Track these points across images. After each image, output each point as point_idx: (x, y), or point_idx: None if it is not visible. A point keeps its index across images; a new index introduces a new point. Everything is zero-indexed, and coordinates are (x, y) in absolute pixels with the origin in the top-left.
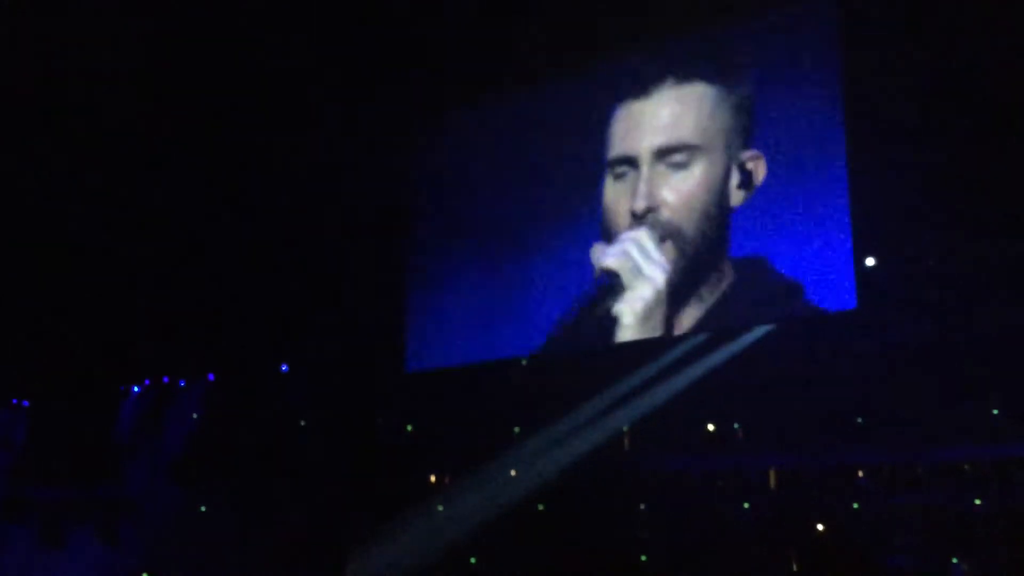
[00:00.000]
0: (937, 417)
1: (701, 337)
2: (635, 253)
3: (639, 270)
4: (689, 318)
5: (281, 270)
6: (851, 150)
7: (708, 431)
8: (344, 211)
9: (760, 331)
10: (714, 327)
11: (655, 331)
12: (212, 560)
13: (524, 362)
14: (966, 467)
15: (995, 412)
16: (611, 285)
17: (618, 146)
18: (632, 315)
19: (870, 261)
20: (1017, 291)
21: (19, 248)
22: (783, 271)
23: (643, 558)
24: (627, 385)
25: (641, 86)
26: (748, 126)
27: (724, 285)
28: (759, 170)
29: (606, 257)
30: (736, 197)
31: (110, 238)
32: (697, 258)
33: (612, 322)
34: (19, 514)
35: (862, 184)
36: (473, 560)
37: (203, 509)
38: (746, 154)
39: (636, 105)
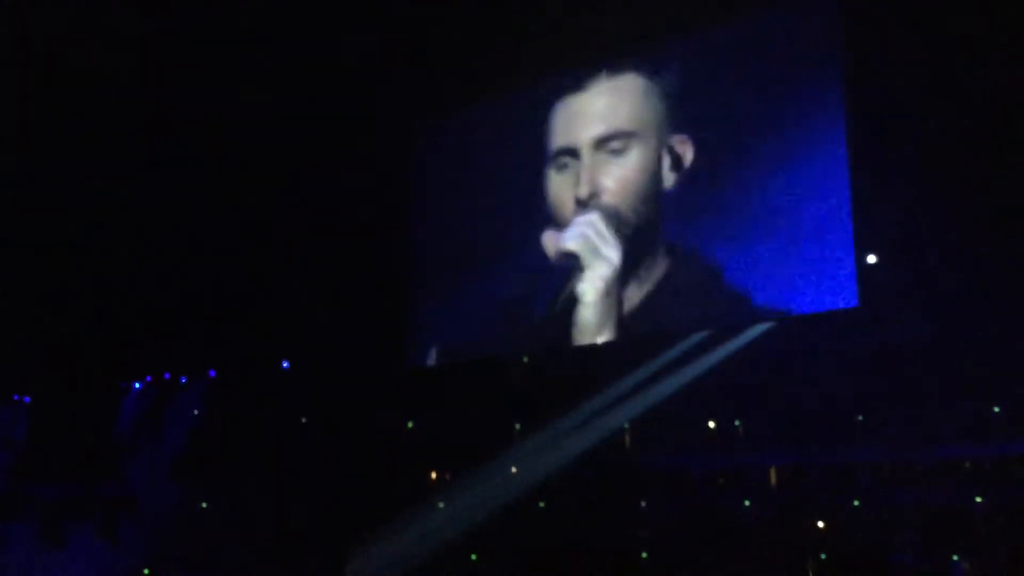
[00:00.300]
0: (937, 415)
1: (702, 335)
2: (592, 235)
3: (597, 251)
4: (634, 296)
5: (282, 268)
6: (852, 149)
7: (709, 429)
8: (344, 210)
9: (760, 329)
10: (656, 307)
11: (612, 309)
12: (212, 557)
13: (525, 360)
14: (966, 465)
15: (995, 410)
16: (572, 267)
17: (560, 139)
18: (594, 292)
19: (871, 259)
20: (1018, 290)
21: (20, 246)
22: (715, 258)
23: (643, 555)
24: (628, 383)
25: (578, 81)
26: (678, 114)
27: (659, 270)
28: (687, 154)
29: (565, 240)
30: (668, 179)
31: (111, 236)
32: (636, 240)
33: (574, 301)
34: (20, 511)
35: (865, 184)
36: (474, 557)
37: (203, 506)
38: (676, 138)
39: (574, 100)
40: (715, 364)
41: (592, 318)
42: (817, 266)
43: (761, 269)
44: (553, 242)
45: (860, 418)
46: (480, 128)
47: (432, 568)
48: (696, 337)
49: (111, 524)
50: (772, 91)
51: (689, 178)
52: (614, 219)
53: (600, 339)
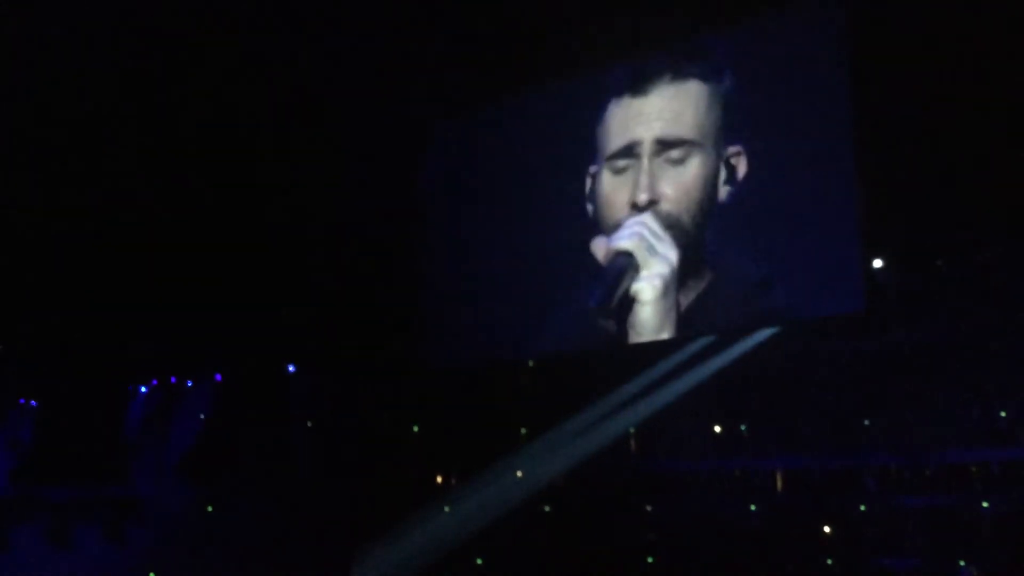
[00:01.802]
0: (944, 420)
1: (708, 339)
2: (647, 234)
3: (653, 249)
4: (683, 302)
5: (289, 272)
6: (858, 152)
7: (714, 433)
8: (353, 213)
9: (767, 333)
10: (702, 315)
11: (671, 309)
12: (219, 560)
13: (531, 363)
14: (973, 469)
15: (1002, 414)
16: (627, 266)
17: (618, 139)
18: (652, 291)
19: (878, 263)
20: None
21: (27, 249)
22: (763, 266)
23: (649, 559)
24: (634, 387)
25: (639, 83)
26: (731, 121)
27: (706, 278)
28: (741, 166)
29: (619, 239)
30: (723, 191)
31: (118, 238)
32: (689, 249)
33: (631, 301)
34: (27, 514)
35: (870, 186)
36: (479, 561)
37: (210, 509)
38: (730, 149)
39: (635, 101)
40: (721, 368)
41: (651, 317)
42: (823, 270)
43: (767, 273)
44: (604, 245)
45: (866, 422)
46: (500, 127)
47: (438, 571)
48: (701, 341)
49: (118, 526)
50: (782, 93)
51: (742, 189)
52: (668, 224)
53: (661, 336)
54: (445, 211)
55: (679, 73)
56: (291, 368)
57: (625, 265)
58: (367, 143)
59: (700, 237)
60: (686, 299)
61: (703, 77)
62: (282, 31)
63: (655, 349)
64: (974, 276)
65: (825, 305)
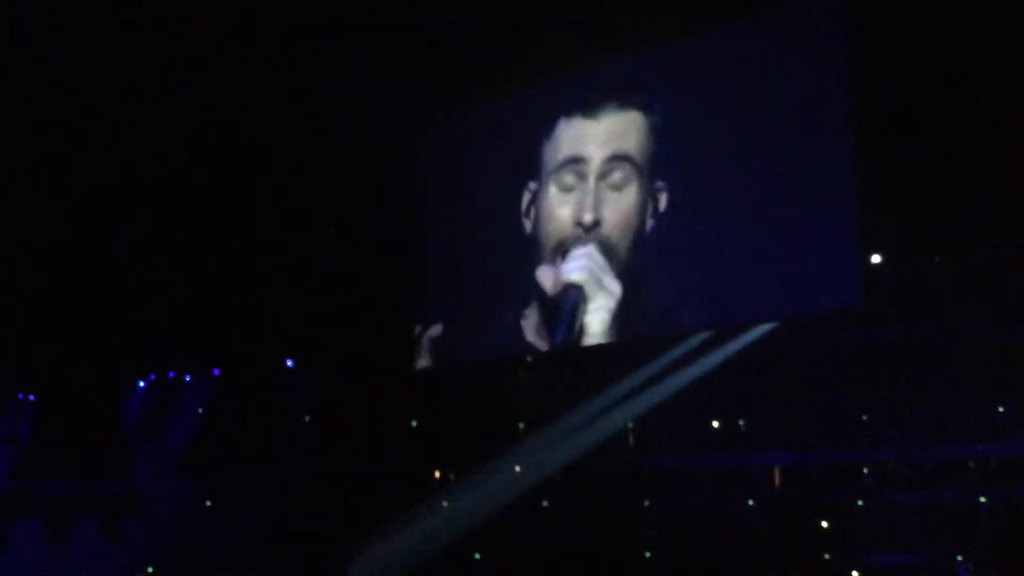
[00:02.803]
0: (942, 415)
1: (705, 335)
2: (594, 266)
3: (600, 282)
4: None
5: (287, 267)
6: (857, 149)
7: (713, 429)
8: (351, 209)
9: (765, 329)
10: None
11: (614, 339)
12: (216, 555)
13: (529, 360)
14: (971, 465)
15: (1000, 410)
16: (578, 299)
17: (565, 152)
18: (600, 324)
19: (875, 259)
20: (1023, 290)
21: (25, 244)
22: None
23: (647, 555)
24: (632, 383)
25: (589, 105)
26: (660, 155)
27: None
28: (662, 200)
29: (568, 272)
30: (648, 223)
31: (115, 233)
32: (623, 273)
33: (581, 333)
34: (25, 509)
35: (868, 183)
36: (478, 556)
37: (208, 504)
38: (657, 184)
39: (586, 122)
40: (719, 364)
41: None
42: (821, 266)
43: (765, 270)
44: (552, 275)
45: (864, 418)
46: (485, 129)
47: (436, 567)
48: (700, 337)
49: (116, 521)
50: (775, 94)
51: (667, 220)
52: (608, 252)
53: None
54: (437, 210)
55: (625, 102)
56: (289, 364)
57: (576, 298)
58: (367, 143)
59: (636, 262)
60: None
61: (644, 109)
62: (281, 31)
63: (652, 346)
64: (971, 273)
65: (823, 301)
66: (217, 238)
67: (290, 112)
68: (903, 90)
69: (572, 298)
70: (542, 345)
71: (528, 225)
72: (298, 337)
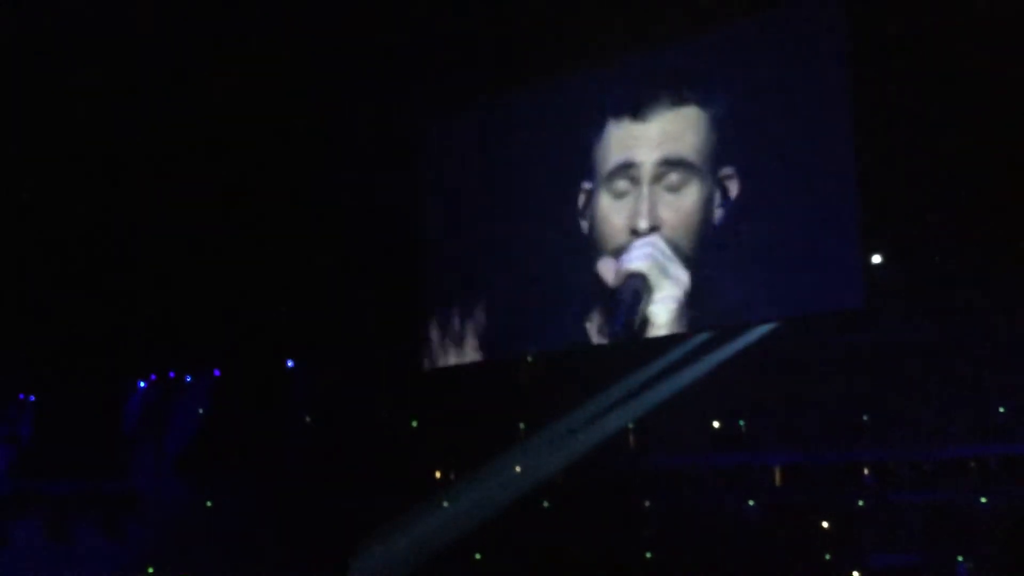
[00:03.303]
0: (942, 415)
1: (705, 335)
2: (659, 255)
3: (665, 270)
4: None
5: (287, 267)
6: (859, 150)
7: (713, 429)
8: (352, 209)
9: (765, 329)
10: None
11: (683, 330)
12: (217, 554)
13: (530, 359)
14: (971, 465)
15: (1000, 411)
16: (641, 289)
17: (616, 158)
18: (667, 314)
19: (876, 259)
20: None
21: (26, 244)
22: (739, 285)
23: (648, 555)
24: (632, 383)
25: (639, 108)
26: (725, 143)
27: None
28: (733, 187)
29: (631, 261)
30: (716, 215)
31: (117, 233)
32: (691, 270)
33: (645, 323)
34: (26, 508)
35: (870, 184)
36: (478, 556)
37: (208, 504)
38: (724, 171)
39: (635, 125)
40: (719, 364)
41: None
42: (822, 266)
43: (767, 269)
44: (613, 267)
45: (865, 418)
46: (504, 129)
47: (436, 567)
48: (700, 337)
49: (116, 521)
50: (775, 96)
51: (734, 209)
52: (675, 247)
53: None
54: (445, 211)
55: (679, 98)
56: (290, 363)
57: (639, 287)
58: (368, 143)
59: (696, 257)
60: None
61: (700, 103)
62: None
63: (653, 346)
64: (972, 273)
65: (824, 301)
66: (217, 238)
67: (290, 112)
68: (904, 90)
69: (633, 287)
70: (602, 339)
71: (585, 226)
72: (298, 337)
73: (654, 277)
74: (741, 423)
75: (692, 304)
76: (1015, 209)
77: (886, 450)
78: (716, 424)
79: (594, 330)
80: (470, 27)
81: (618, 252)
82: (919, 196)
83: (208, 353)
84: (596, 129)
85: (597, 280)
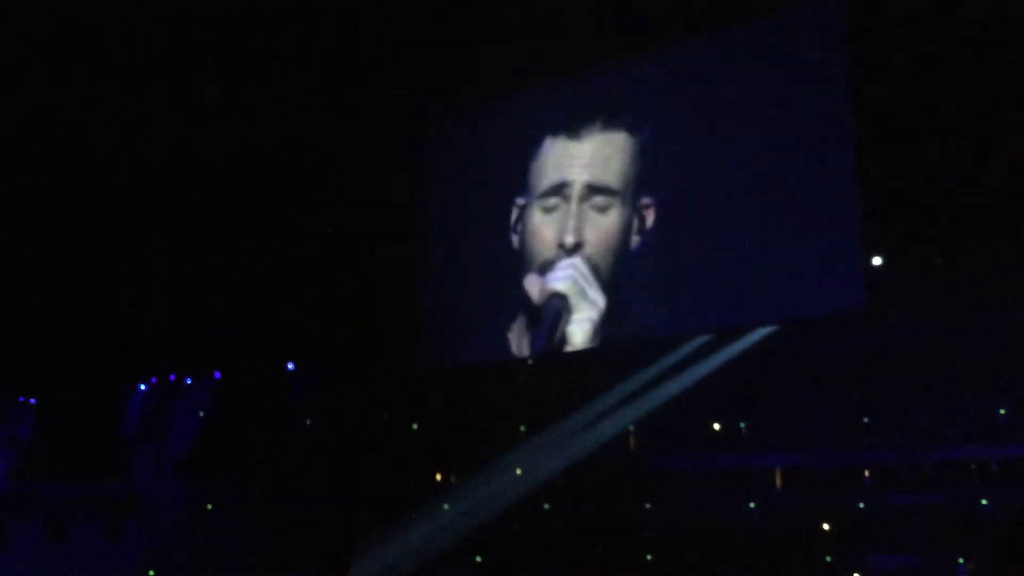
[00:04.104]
0: (943, 417)
1: (706, 337)
2: (579, 278)
3: (584, 293)
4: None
5: (287, 270)
6: (858, 152)
7: (714, 431)
8: (351, 211)
9: (766, 331)
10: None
11: (595, 346)
12: (217, 558)
13: (530, 362)
14: (972, 466)
15: (1001, 412)
16: (561, 309)
17: (550, 177)
18: (583, 335)
19: (876, 260)
20: None
21: (27, 247)
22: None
23: (648, 557)
24: (632, 385)
25: (573, 126)
26: (645, 173)
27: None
28: (649, 216)
29: (553, 281)
30: (634, 240)
31: (117, 236)
32: (607, 287)
33: (564, 342)
34: (26, 511)
35: (869, 185)
36: (479, 558)
37: (209, 507)
38: (643, 200)
39: (570, 143)
40: (720, 366)
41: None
42: (823, 268)
43: (766, 272)
44: (538, 284)
45: (865, 419)
46: (480, 139)
47: (437, 569)
48: (701, 339)
49: (116, 524)
50: (774, 98)
51: (654, 237)
52: (593, 268)
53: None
54: (436, 212)
55: (609, 123)
56: (290, 366)
57: (560, 307)
58: (368, 146)
59: (614, 278)
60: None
61: (629, 129)
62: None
63: (654, 348)
64: (972, 273)
65: (825, 303)
66: (218, 241)
67: (290, 113)
68: (903, 92)
69: (555, 306)
70: (524, 353)
71: (515, 240)
72: (298, 340)
73: (573, 298)
74: (742, 425)
75: (607, 323)
76: (1015, 209)
77: (886, 452)
78: (717, 426)
79: (515, 343)
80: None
81: (544, 268)
82: (919, 197)
83: (208, 356)
84: (534, 146)
85: (522, 295)
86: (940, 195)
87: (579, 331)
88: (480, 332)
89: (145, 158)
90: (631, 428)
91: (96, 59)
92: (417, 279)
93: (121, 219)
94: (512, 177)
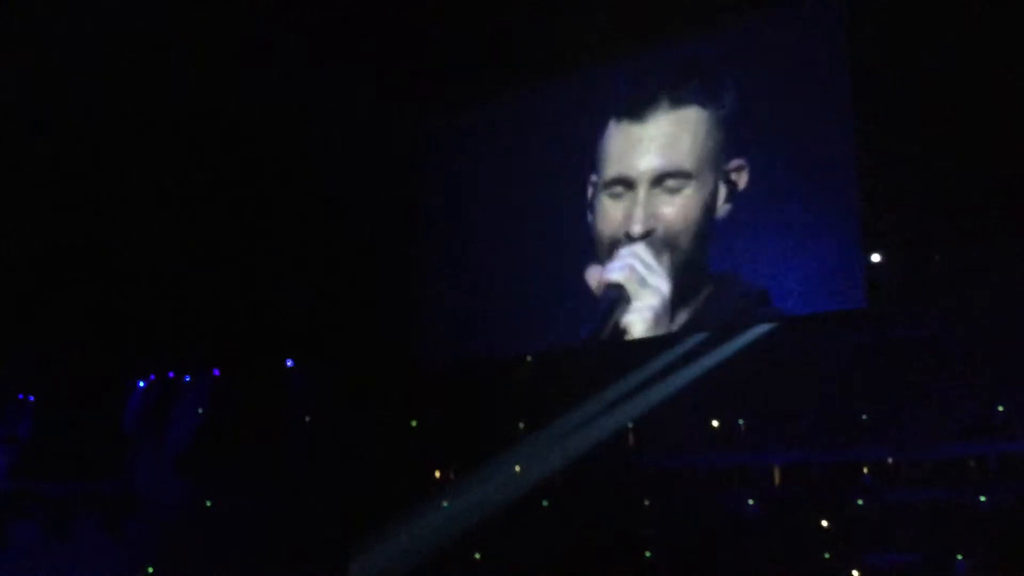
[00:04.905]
0: (942, 414)
1: (705, 334)
2: (639, 267)
3: (644, 281)
4: (680, 321)
5: (287, 266)
6: (860, 149)
7: (712, 428)
8: (351, 208)
9: (765, 328)
10: (703, 327)
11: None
12: (216, 555)
13: (529, 359)
14: (971, 464)
15: (1000, 409)
16: (617, 299)
17: (615, 166)
18: (643, 324)
19: (876, 258)
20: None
21: (26, 244)
22: (759, 276)
23: (647, 554)
24: (631, 382)
25: (636, 108)
26: (733, 140)
27: (705, 291)
28: (742, 179)
29: (610, 272)
30: (722, 210)
31: (115, 233)
32: (686, 268)
33: (621, 333)
34: (24, 509)
35: (871, 183)
36: (477, 556)
37: (208, 504)
38: (732, 164)
39: (633, 128)
40: (719, 363)
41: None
42: (823, 266)
43: (767, 270)
44: (597, 275)
45: (864, 417)
46: (501, 130)
47: (436, 567)
48: (700, 336)
49: (116, 522)
50: (774, 95)
51: (742, 202)
52: (665, 251)
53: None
54: (444, 210)
55: (678, 100)
56: (289, 363)
57: (616, 298)
58: (367, 143)
59: (700, 255)
60: (686, 312)
61: (702, 102)
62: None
63: (653, 344)
64: (972, 271)
65: (825, 301)
66: (217, 238)
67: (289, 111)
68: (904, 89)
69: (610, 297)
70: (577, 340)
71: (590, 217)
72: (298, 337)
73: (632, 288)
74: (740, 422)
75: (673, 310)
76: (1015, 209)
77: (885, 449)
78: (715, 423)
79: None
80: (469, 29)
81: (609, 256)
82: (919, 196)
83: (208, 353)
84: (597, 130)
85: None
86: (940, 193)
87: (639, 320)
88: (481, 328)
89: (145, 156)
90: (630, 425)
91: (95, 54)
92: (417, 277)
93: (120, 216)
94: (578, 159)
